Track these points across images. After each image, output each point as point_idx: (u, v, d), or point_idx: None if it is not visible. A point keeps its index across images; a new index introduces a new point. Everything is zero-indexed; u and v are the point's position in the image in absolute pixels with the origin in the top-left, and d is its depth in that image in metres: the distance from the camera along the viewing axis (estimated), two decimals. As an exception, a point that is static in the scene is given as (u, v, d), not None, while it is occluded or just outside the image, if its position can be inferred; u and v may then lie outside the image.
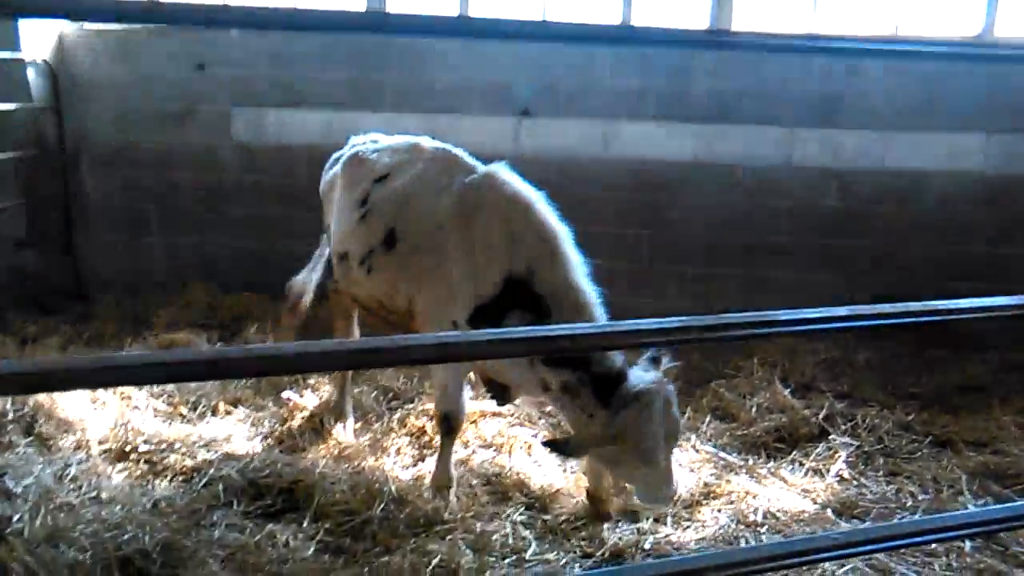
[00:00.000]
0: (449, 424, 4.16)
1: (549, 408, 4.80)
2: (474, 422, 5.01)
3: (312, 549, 3.90)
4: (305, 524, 4.08)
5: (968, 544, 4.02)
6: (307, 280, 5.15)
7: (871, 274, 6.66)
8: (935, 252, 6.53)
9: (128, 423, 4.84)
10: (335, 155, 4.99)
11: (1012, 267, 6.42)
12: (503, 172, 3.97)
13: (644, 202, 6.76)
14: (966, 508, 4.35)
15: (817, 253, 6.70)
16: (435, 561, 3.77)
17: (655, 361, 3.76)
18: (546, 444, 3.74)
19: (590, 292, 3.67)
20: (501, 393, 4.18)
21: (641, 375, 3.62)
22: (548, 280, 3.64)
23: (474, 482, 4.47)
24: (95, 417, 4.91)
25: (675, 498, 4.10)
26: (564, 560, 3.92)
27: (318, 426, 4.95)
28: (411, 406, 5.32)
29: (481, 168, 4.10)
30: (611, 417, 3.51)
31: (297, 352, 1.49)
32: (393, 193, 4.25)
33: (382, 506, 4.13)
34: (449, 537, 3.93)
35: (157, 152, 7.22)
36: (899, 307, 1.71)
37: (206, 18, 1.65)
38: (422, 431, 4.95)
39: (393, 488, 4.24)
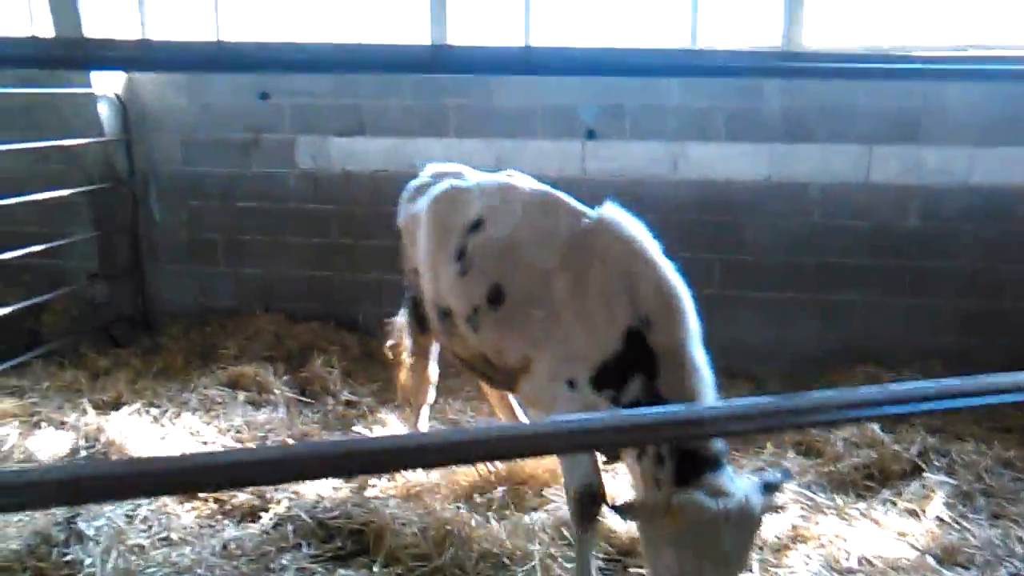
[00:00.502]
0: (589, 505, 3.47)
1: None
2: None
3: (384, 596, 3.79)
4: (376, 569, 3.97)
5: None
6: (403, 324, 5.04)
7: (956, 296, 6.32)
8: (1026, 269, 6.16)
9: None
10: (412, 184, 4.74)
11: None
12: (618, 216, 3.58)
13: (715, 224, 6.54)
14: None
15: (898, 275, 6.38)
16: (511, 610, 3.63)
17: (769, 488, 3.09)
18: (615, 508, 3.28)
19: (703, 360, 3.28)
20: (614, 457, 3.67)
21: (741, 484, 3.04)
22: (663, 338, 3.26)
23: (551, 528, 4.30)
24: (164, 454, 4.88)
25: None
26: None
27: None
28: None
29: (592, 212, 3.69)
30: (678, 492, 2.98)
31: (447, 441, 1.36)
32: (494, 243, 3.85)
33: (452, 551, 3.99)
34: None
35: (223, 182, 7.25)
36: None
37: (271, 59, 1.54)
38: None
39: (466, 531, 4.10)
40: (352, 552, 4.11)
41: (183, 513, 4.43)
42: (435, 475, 4.75)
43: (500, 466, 4.67)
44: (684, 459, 3.05)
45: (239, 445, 5.07)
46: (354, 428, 5.25)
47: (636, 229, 3.51)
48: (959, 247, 6.27)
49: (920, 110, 6.18)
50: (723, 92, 6.39)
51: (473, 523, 4.21)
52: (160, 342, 6.88)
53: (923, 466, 4.84)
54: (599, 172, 6.51)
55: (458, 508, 4.41)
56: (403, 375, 5.12)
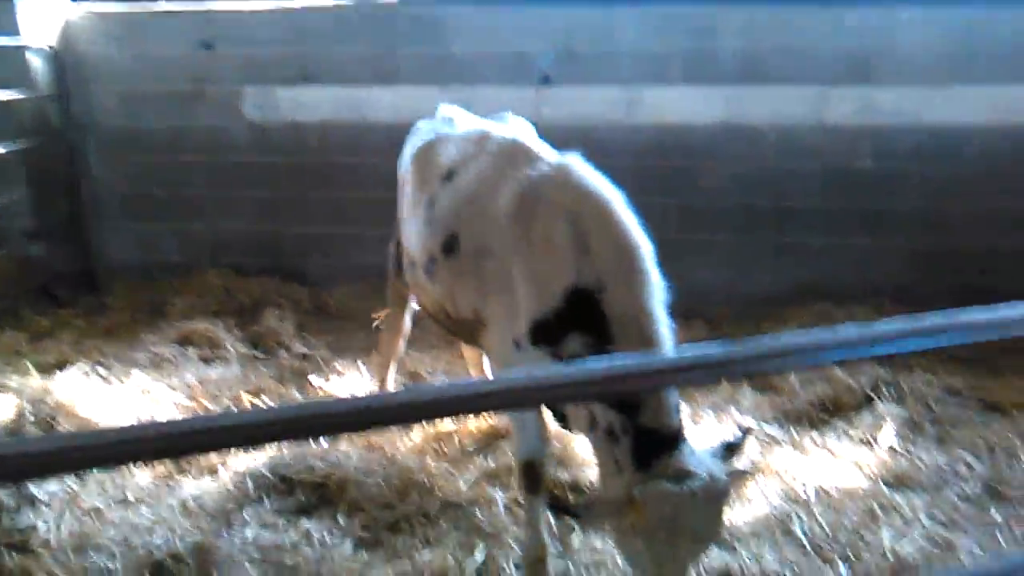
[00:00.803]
0: (532, 476, 3.38)
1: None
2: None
3: (350, 545, 3.77)
4: (340, 520, 3.95)
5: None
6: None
7: (908, 234, 6.42)
8: (976, 208, 6.27)
9: (151, 419, 4.69)
10: (414, 131, 4.53)
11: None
12: (577, 164, 3.29)
13: (671, 169, 6.53)
14: (1025, 476, 4.19)
15: (850, 215, 6.46)
16: (481, 558, 3.64)
17: (731, 449, 2.96)
18: (552, 508, 3.14)
19: (665, 324, 2.99)
20: (564, 419, 3.39)
21: (702, 458, 2.83)
22: (620, 301, 2.97)
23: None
24: (115, 415, 4.77)
25: None
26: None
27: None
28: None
29: (552, 160, 3.43)
30: (640, 481, 2.76)
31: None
32: (456, 193, 3.71)
33: (418, 498, 3.99)
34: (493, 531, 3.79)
35: (166, 135, 7.02)
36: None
37: None
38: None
39: (429, 480, 4.09)
40: (315, 504, 4.07)
41: (138, 473, 4.34)
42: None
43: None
44: (641, 437, 2.83)
45: (192, 403, 4.97)
46: (311, 378, 5.17)
47: (594, 179, 3.22)
48: (909, 187, 6.35)
49: (873, 50, 6.20)
50: (679, 35, 6.33)
51: (435, 471, 4.22)
52: (105, 301, 6.70)
53: (874, 397, 4.96)
54: (554, 118, 6.42)
55: (423, 458, 4.40)
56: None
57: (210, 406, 4.92)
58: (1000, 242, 6.27)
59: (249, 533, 3.84)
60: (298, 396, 5.09)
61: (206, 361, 5.50)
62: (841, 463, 4.43)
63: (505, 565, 3.63)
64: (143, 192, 7.17)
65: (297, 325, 6.04)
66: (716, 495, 2.75)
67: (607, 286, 2.97)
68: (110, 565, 3.54)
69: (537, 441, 3.37)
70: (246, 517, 3.97)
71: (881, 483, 4.24)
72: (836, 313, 6.03)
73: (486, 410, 1.60)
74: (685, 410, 3.89)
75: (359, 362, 5.51)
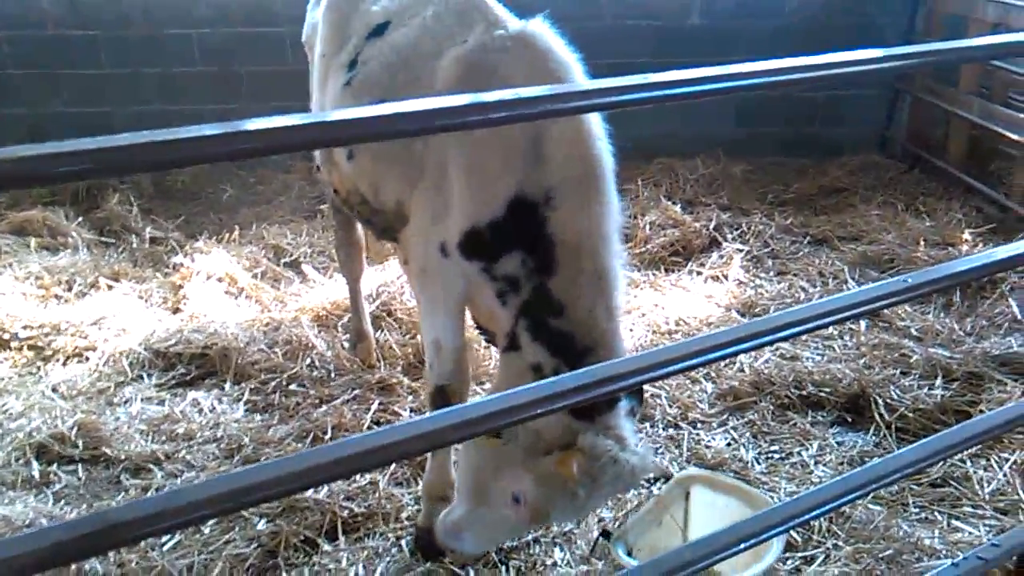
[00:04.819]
0: (447, 400, 2.87)
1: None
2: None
3: (242, 410, 3.77)
4: (227, 387, 3.92)
5: (864, 325, 4.39)
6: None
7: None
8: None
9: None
10: None
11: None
12: (543, 33, 2.73)
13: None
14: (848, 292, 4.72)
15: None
16: (375, 407, 3.75)
17: (632, 412, 2.59)
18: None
19: (620, 255, 2.61)
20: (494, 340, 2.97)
21: (628, 425, 2.53)
22: (570, 220, 2.53)
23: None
24: (-42, 308, 4.43)
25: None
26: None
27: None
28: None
29: (513, 24, 2.85)
30: (581, 430, 2.40)
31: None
32: (391, 52, 3.06)
33: (308, 361, 4.02)
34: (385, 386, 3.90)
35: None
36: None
37: None
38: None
39: (318, 342, 4.12)
40: (199, 376, 4.02)
41: (-5, 364, 4.09)
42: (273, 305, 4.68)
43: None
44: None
45: (42, 292, 4.67)
46: (173, 261, 4.97)
47: (563, 57, 2.69)
48: (736, 44, 6.71)
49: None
50: None
51: (319, 341, 4.20)
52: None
53: (720, 238, 5.38)
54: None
55: (305, 322, 4.39)
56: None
57: (64, 294, 4.65)
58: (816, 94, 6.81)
59: (133, 409, 3.75)
60: (158, 277, 4.89)
61: (49, 249, 5.14)
62: (695, 297, 4.83)
63: (400, 411, 3.76)
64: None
65: (142, 210, 5.72)
66: (637, 477, 2.51)
67: (557, 202, 2.53)
68: (-12, 451, 3.38)
69: (454, 363, 2.89)
70: (127, 394, 3.87)
71: (733, 311, 4.67)
72: (677, 165, 6.39)
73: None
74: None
75: (215, 239, 5.33)
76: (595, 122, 2.62)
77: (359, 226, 3.97)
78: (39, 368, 4.08)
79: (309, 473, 1.27)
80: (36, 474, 3.34)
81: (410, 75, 2.93)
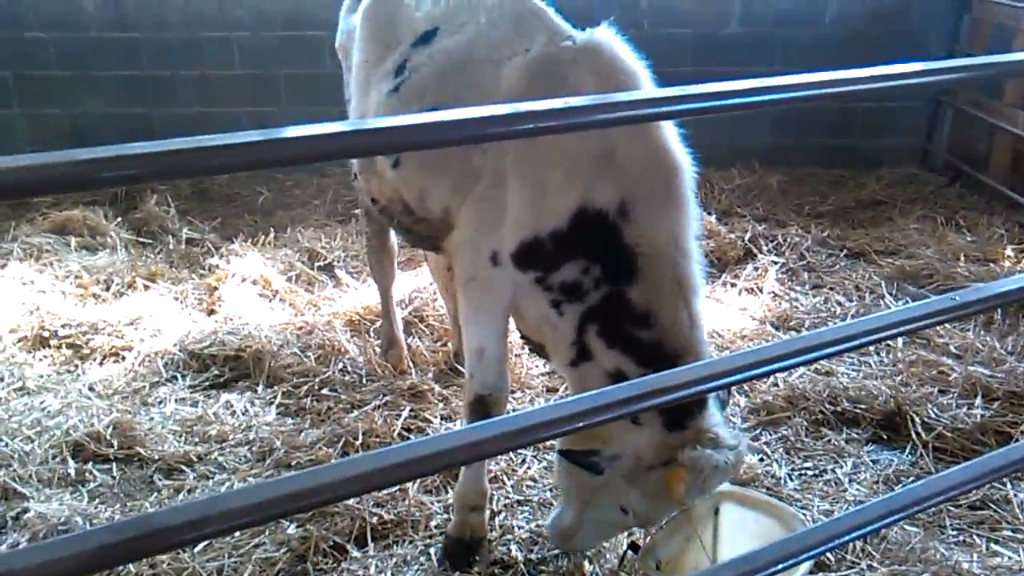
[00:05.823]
0: (486, 411, 2.81)
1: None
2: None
3: (274, 413, 3.79)
4: (260, 390, 3.95)
5: (901, 341, 4.32)
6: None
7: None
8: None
9: (38, 308, 4.45)
10: None
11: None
12: (611, 42, 2.70)
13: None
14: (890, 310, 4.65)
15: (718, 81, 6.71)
16: (405, 414, 3.75)
17: (723, 404, 2.67)
18: (565, 455, 2.61)
19: (700, 262, 2.59)
20: (542, 351, 2.98)
21: (719, 419, 2.57)
22: (650, 228, 2.49)
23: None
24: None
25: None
26: (529, 397, 3.97)
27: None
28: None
29: (578, 35, 2.79)
30: (677, 443, 2.44)
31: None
32: (444, 57, 2.99)
33: (340, 366, 4.03)
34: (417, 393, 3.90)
35: (5, 9, 6.38)
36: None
37: None
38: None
39: (350, 347, 4.13)
40: (232, 378, 4.05)
41: (34, 362, 4.15)
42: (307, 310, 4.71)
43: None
44: None
45: (81, 291, 4.74)
46: (209, 263, 5.02)
47: (633, 66, 2.66)
48: (774, 52, 6.65)
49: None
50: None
51: (351, 346, 4.21)
52: (-42, 197, 6.15)
53: (755, 250, 5.32)
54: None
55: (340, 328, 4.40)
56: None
57: (102, 294, 4.71)
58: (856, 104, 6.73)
59: (167, 409, 3.79)
60: (194, 278, 4.94)
61: (89, 249, 5.22)
62: (730, 310, 4.78)
63: (431, 418, 3.76)
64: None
65: (180, 211, 5.79)
66: (739, 467, 2.56)
67: (635, 212, 2.50)
68: (26, 448, 3.42)
69: (496, 373, 2.83)
70: (161, 395, 3.91)
71: (768, 325, 4.61)
72: (712, 176, 6.33)
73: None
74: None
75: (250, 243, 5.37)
76: (670, 130, 2.59)
77: (392, 233, 3.95)
78: (77, 366, 4.14)
79: (359, 480, 1.25)
80: (72, 472, 3.38)
81: (466, 81, 2.89)
